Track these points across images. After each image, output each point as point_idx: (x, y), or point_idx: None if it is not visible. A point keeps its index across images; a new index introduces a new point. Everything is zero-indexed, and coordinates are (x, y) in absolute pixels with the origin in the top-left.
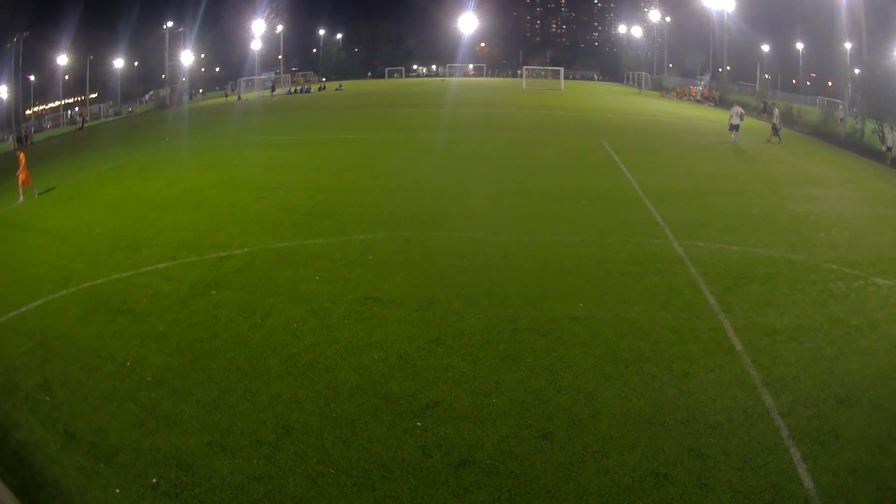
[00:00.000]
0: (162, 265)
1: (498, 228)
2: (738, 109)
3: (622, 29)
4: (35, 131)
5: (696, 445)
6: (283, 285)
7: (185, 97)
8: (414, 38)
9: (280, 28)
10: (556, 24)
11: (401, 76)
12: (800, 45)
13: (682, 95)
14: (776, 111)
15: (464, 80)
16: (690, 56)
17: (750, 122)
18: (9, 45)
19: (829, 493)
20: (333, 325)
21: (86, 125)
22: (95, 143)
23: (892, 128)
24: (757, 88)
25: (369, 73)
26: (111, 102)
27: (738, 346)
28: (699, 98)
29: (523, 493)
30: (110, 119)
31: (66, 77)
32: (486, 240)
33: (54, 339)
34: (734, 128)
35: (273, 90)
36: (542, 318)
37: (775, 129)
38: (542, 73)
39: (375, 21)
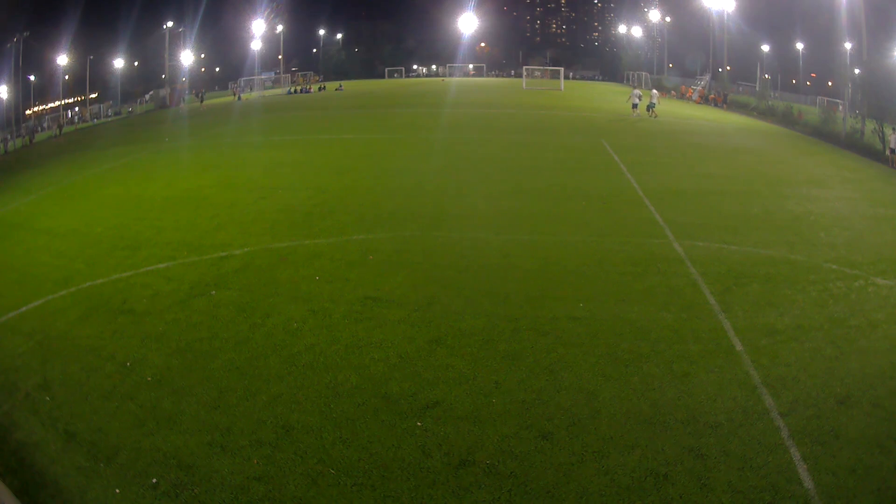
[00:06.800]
0: (162, 265)
1: (498, 228)
2: (636, 92)
3: (622, 29)
4: (28, 133)
5: (696, 445)
6: (283, 285)
7: (185, 97)
8: (414, 38)
9: (280, 28)
10: (556, 24)
11: (401, 76)
12: (800, 45)
13: (682, 96)
14: (654, 91)
15: (464, 80)
16: (690, 56)
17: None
18: (9, 45)
19: (829, 493)
20: (333, 325)
21: (64, 131)
22: (95, 144)
23: (894, 129)
24: (757, 88)
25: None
26: (111, 102)
27: (738, 346)
28: (697, 99)
29: (523, 493)
30: (110, 119)
31: (66, 77)
32: (486, 240)
33: (54, 339)
34: (635, 106)
35: (202, 99)
36: (542, 318)
37: (650, 106)
38: (542, 74)
39: (375, 21)
